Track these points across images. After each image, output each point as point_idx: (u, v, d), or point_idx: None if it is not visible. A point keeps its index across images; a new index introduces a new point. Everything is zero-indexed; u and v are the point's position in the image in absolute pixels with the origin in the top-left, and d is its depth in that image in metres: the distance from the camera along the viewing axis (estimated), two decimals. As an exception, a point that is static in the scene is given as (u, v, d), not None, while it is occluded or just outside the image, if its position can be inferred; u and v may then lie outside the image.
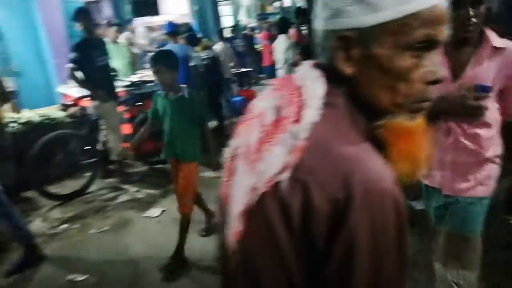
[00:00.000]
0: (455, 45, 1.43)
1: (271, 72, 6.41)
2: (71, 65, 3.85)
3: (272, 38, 6.63)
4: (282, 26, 5.87)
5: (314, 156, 0.60)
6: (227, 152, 0.76)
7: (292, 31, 6.09)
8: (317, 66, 0.70)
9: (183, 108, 2.62)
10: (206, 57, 5.39)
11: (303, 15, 6.30)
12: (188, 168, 2.74)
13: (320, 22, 0.68)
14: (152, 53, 2.95)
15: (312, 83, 0.67)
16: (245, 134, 0.72)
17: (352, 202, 0.55)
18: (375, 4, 0.61)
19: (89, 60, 3.94)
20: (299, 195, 0.59)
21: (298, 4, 11.20)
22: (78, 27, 4.01)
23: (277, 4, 11.72)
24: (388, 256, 0.57)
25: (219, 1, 9.10)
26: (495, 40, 1.42)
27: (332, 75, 0.66)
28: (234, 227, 0.67)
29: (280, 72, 5.85)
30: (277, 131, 0.65)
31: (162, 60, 2.57)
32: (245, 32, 9.83)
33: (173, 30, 4.78)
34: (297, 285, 0.62)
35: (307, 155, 0.60)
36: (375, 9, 0.61)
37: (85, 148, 4.12)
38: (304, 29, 6.57)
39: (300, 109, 0.64)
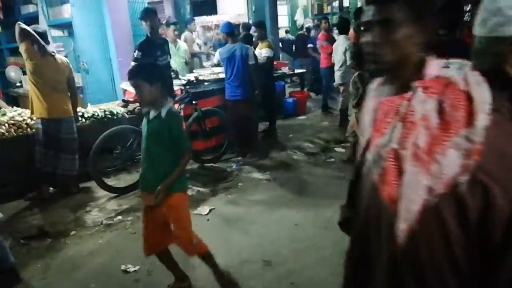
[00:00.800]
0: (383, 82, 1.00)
1: (328, 74, 6.26)
2: (133, 63, 4.02)
3: (330, 39, 6.47)
4: (343, 27, 5.71)
5: (492, 160, 0.65)
6: (360, 149, 0.87)
7: (351, 32, 5.91)
8: (477, 70, 0.72)
9: (158, 129, 2.23)
10: (266, 56, 5.38)
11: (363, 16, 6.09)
12: (172, 200, 2.25)
13: (484, 29, 0.76)
14: (132, 67, 2.71)
15: (478, 88, 0.69)
16: (391, 134, 0.79)
17: None
18: None
19: (152, 59, 4.12)
20: (480, 196, 0.64)
21: (359, 5, 10.87)
22: (144, 26, 4.19)
23: (335, 4, 11.43)
24: None
25: (277, 0, 9.07)
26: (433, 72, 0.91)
27: (494, 80, 0.69)
28: (408, 223, 0.72)
29: (338, 74, 5.70)
30: (447, 134, 0.69)
31: (141, 73, 2.23)
32: (301, 32, 9.72)
33: (231, 30, 4.81)
34: (461, 283, 0.68)
35: (485, 159, 0.64)
36: None
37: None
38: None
39: (469, 114, 0.67)
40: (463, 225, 0.67)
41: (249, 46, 4.78)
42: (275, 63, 6.12)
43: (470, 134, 0.66)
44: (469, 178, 0.65)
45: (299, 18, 12.00)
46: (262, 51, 5.37)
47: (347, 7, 11.24)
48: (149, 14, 4.20)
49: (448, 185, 0.67)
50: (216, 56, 5.21)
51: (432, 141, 0.71)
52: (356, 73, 4.16)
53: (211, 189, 4.10)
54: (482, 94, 0.68)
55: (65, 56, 4.56)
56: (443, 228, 0.69)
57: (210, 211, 3.64)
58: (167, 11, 8.66)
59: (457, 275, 0.70)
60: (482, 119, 0.66)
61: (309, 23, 10.82)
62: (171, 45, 5.17)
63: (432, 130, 0.72)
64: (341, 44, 5.54)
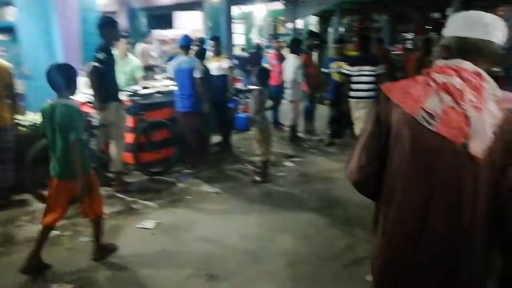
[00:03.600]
0: None
1: (278, 91, 6.40)
2: (97, 64, 3.88)
3: (281, 59, 6.66)
4: (294, 46, 5.92)
5: (509, 104, 1.16)
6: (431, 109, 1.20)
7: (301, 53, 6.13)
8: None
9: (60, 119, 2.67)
10: (229, 66, 5.45)
11: (314, 38, 6.36)
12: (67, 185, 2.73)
13: (494, 37, 1.21)
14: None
15: (483, 72, 1.20)
16: (437, 99, 1.19)
17: None
18: None
19: (109, 65, 4.01)
20: (507, 119, 1.14)
21: (311, 28, 11.33)
22: (102, 35, 4.01)
23: (290, 25, 11.84)
24: None
25: (233, 19, 9.23)
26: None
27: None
28: (483, 146, 1.13)
29: (288, 92, 5.86)
30: (482, 93, 1.16)
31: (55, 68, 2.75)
32: (253, 51, 9.92)
33: (186, 43, 4.83)
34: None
35: (505, 104, 1.16)
36: None
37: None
38: (313, 52, 6.62)
39: (486, 88, 1.18)
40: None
41: (197, 59, 4.80)
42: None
43: (494, 94, 1.18)
44: (506, 114, 1.15)
45: (254, 37, 12.29)
46: (222, 63, 5.39)
47: (301, 29, 11.69)
48: (109, 23, 4.07)
49: (499, 120, 1.14)
50: (169, 69, 5.17)
51: (478, 99, 1.16)
52: (258, 88, 4.41)
53: (158, 202, 3.99)
54: (487, 76, 1.20)
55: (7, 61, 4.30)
56: (496, 148, 1.14)
57: (156, 225, 3.53)
58: (121, 23, 8.52)
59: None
60: (495, 87, 1.19)
61: (264, 42, 11.09)
62: (119, 61, 5.04)
63: (474, 93, 1.16)
64: (291, 63, 5.73)
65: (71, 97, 2.84)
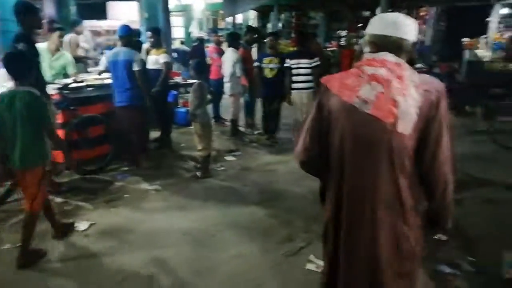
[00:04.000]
0: None
1: (218, 85, 6.35)
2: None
3: (221, 53, 6.62)
4: (232, 40, 5.90)
5: (423, 85, 1.41)
6: (363, 96, 1.43)
7: (240, 47, 6.14)
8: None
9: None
10: (165, 62, 5.20)
11: (252, 33, 6.39)
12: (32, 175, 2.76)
13: (408, 36, 1.47)
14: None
15: (404, 63, 1.44)
16: (374, 85, 1.43)
17: (442, 94, 1.41)
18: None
19: (30, 57, 3.63)
20: (428, 97, 1.39)
21: (250, 23, 11.40)
22: (21, 23, 3.59)
23: (229, 19, 11.80)
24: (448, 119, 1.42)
25: (171, 11, 8.95)
26: None
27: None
28: (409, 125, 1.39)
29: (228, 86, 5.84)
30: (404, 81, 1.41)
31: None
32: (195, 44, 9.75)
33: (124, 33, 4.58)
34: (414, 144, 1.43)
35: (422, 87, 1.41)
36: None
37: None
38: (252, 47, 6.65)
39: (407, 75, 1.42)
40: (429, 109, 1.41)
41: (135, 51, 4.60)
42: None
43: (414, 80, 1.42)
44: (422, 92, 1.41)
45: (194, 31, 12.07)
46: (159, 58, 5.17)
47: (240, 23, 11.70)
48: (28, 10, 3.60)
49: (421, 99, 1.40)
50: (103, 61, 4.89)
51: (400, 85, 1.40)
52: (197, 82, 4.37)
53: (93, 203, 3.78)
54: (407, 65, 1.45)
55: None
56: (417, 124, 1.40)
57: (89, 226, 3.35)
58: (47, 10, 7.86)
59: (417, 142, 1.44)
60: (413, 74, 1.43)
61: (204, 35, 10.94)
62: (47, 55, 4.66)
63: (398, 81, 1.40)
64: (229, 56, 5.72)
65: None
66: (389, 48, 1.44)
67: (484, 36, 10.38)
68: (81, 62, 6.44)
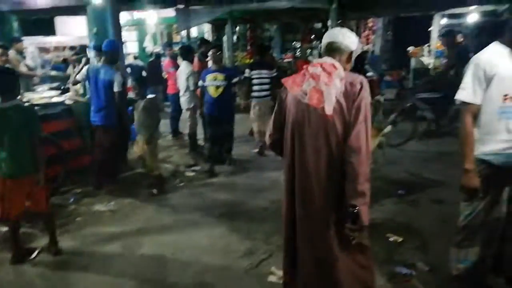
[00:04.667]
0: None
1: (175, 100, 6.26)
2: None
3: (176, 66, 6.54)
4: (185, 53, 5.84)
5: (348, 79, 1.84)
6: (303, 91, 1.89)
7: (196, 60, 6.10)
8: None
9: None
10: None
11: (206, 45, 6.37)
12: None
13: (347, 43, 1.93)
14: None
15: (338, 63, 1.87)
16: (308, 83, 1.87)
17: (363, 86, 1.82)
18: None
19: None
20: (352, 88, 1.81)
21: (205, 36, 11.41)
22: None
23: (184, 33, 11.74)
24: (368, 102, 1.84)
25: (123, 26, 8.75)
26: None
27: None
28: (331, 107, 1.80)
29: (183, 100, 5.75)
30: (332, 76, 1.82)
31: None
32: (152, 60, 9.58)
33: (111, 49, 4.40)
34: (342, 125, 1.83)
35: (346, 79, 1.83)
36: None
37: None
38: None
39: (336, 73, 1.83)
40: (349, 101, 1.82)
41: (116, 71, 4.37)
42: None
43: (339, 75, 1.83)
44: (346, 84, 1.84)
45: (149, 45, 11.88)
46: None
47: (196, 37, 11.68)
48: None
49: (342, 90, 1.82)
50: (83, 72, 4.95)
51: (328, 77, 1.82)
52: (148, 98, 4.24)
53: (41, 228, 3.55)
54: (340, 66, 1.87)
55: None
56: (341, 106, 1.82)
57: (37, 253, 3.14)
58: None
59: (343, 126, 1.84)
60: (342, 71, 1.85)
61: (159, 50, 10.79)
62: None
63: (327, 76, 1.83)
64: (183, 70, 5.66)
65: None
66: (332, 52, 1.92)
67: (428, 44, 11.05)
68: (26, 80, 6.14)
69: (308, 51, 11.52)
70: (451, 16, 11.74)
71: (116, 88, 4.28)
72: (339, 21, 8.20)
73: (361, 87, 1.81)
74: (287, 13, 10.21)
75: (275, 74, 5.48)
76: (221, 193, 4.43)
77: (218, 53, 5.03)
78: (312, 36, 12.74)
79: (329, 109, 1.80)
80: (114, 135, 4.45)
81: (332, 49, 1.91)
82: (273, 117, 2.07)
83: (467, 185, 2.13)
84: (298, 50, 12.52)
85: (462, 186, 2.16)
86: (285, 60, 12.23)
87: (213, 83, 4.93)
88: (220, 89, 4.91)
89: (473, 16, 10.77)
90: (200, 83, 5.13)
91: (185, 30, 9.56)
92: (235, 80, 5.09)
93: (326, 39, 1.94)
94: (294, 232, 2.00)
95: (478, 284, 2.26)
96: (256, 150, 5.71)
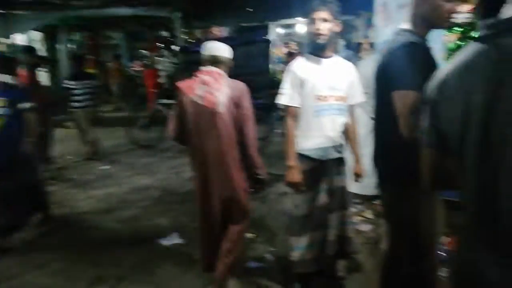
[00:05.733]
0: None
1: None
2: None
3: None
4: (5, 66, 5.00)
5: (232, 86, 2.36)
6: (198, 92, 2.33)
7: (21, 71, 5.29)
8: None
9: None
10: None
11: (31, 54, 5.59)
12: None
13: (223, 54, 2.44)
14: None
15: (222, 71, 2.38)
16: (201, 89, 2.32)
17: (244, 93, 2.38)
18: None
19: None
20: (235, 92, 2.34)
21: (34, 44, 10.04)
22: None
23: (9, 41, 10.16)
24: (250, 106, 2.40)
25: None
26: None
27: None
28: (222, 107, 2.31)
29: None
30: (219, 81, 2.34)
31: None
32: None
33: None
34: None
35: (230, 86, 2.35)
36: None
37: None
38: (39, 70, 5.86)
39: (222, 80, 2.36)
40: (235, 105, 2.33)
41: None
42: None
43: (227, 84, 2.35)
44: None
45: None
46: None
47: (24, 45, 10.20)
48: None
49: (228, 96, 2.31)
50: None
51: (216, 84, 2.31)
52: None
53: None
54: (225, 75, 2.39)
55: None
56: (230, 106, 2.31)
57: None
58: None
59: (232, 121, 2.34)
60: (227, 80, 2.38)
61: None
62: None
63: (215, 82, 2.32)
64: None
65: None
66: (215, 63, 2.36)
67: (268, 51, 12.03)
68: None
69: (156, 59, 11.29)
70: (284, 26, 13.13)
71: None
72: (185, 29, 8.26)
73: (243, 93, 2.34)
74: (131, 20, 9.84)
75: (94, 83, 5.96)
76: (68, 217, 3.94)
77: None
78: (161, 44, 12.55)
79: (222, 108, 2.28)
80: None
81: (216, 61, 2.36)
82: (174, 115, 2.44)
83: (292, 180, 2.35)
84: (147, 58, 12.16)
85: (287, 182, 2.38)
86: (134, 69, 11.75)
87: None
88: (2, 120, 3.23)
89: (300, 26, 12.23)
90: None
91: (6, 38, 8.25)
92: (23, 106, 3.35)
93: (208, 52, 2.38)
94: (209, 223, 2.44)
95: (313, 266, 2.51)
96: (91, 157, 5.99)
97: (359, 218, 3.49)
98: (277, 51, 11.39)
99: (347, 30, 4.07)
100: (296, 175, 2.34)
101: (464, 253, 1.02)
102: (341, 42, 4.33)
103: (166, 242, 3.36)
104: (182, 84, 2.36)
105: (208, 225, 2.45)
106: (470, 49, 0.99)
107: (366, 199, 3.60)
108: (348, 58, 2.65)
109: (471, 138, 0.94)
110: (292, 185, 2.37)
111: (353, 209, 3.48)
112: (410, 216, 1.70)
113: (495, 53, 0.91)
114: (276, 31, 12.18)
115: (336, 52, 2.51)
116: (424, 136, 1.11)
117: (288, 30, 13.45)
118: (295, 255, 2.45)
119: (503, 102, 0.87)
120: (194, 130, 2.34)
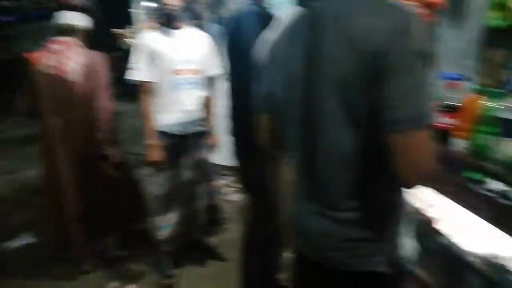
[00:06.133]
0: None
1: None
2: None
3: None
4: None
5: (87, 55, 2.38)
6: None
7: None
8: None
9: None
10: None
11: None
12: None
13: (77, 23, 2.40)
14: None
15: (75, 40, 2.37)
16: (54, 56, 2.30)
17: (101, 63, 2.45)
18: None
19: None
20: (91, 60, 2.39)
21: None
22: None
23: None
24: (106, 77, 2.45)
25: None
26: None
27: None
28: (76, 76, 2.34)
29: None
30: (71, 51, 2.32)
31: None
32: None
33: None
34: None
35: (85, 55, 2.38)
36: None
37: None
38: None
39: (76, 49, 2.35)
40: None
41: None
42: None
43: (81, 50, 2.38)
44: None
45: None
46: None
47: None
48: None
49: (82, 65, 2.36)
50: None
51: (70, 53, 2.32)
52: None
53: None
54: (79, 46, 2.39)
55: None
56: (84, 75, 2.34)
57: None
58: None
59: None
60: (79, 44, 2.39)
61: None
62: None
63: (69, 49, 2.32)
64: None
65: None
66: (66, 32, 2.29)
67: (130, 26, 11.24)
68: None
69: None
70: (149, -1, 12.33)
71: None
72: None
73: (99, 59, 2.34)
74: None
75: None
76: None
77: None
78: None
79: (75, 77, 2.26)
80: None
81: (68, 30, 2.28)
82: (25, 87, 2.33)
83: (152, 158, 2.27)
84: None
85: (148, 161, 2.29)
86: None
87: None
88: None
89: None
90: None
91: None
92: None
93: (59, 21, 2.28)
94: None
95: (183, 241, 2.51)
96: None
97: (229, 188, 3.60)
98: (143, 25, 10.69)
99: (216, 4, 3.98)
100: (156, 153, 2.26)
101: (291, 205, 1.12)
102: (211, 16, 4.24)
103: (15, 244, 2.99)
104: (31, 55, 2.28)
105: (57, 203, 2.42)
106: (295, 13, 1.04)
107: (234, 170, 3.72)
108: (217, 33, 2.62)
109: (294, 100, 1.00)
110: (153, 164, 2.29)
111: (222, 181, 3.59)
112: (260, 180, 1.80)
113: (310, 17, 0.96)
114: (140, 3, 11.39)
115: (189, 24, 2.45)
116: (259, 101, 1.15)
117: (150, 4, 12.70)
118: (162, 234, 2.40)
119: (320, 64, 0.93)
120: (47, 101, 2.30)
